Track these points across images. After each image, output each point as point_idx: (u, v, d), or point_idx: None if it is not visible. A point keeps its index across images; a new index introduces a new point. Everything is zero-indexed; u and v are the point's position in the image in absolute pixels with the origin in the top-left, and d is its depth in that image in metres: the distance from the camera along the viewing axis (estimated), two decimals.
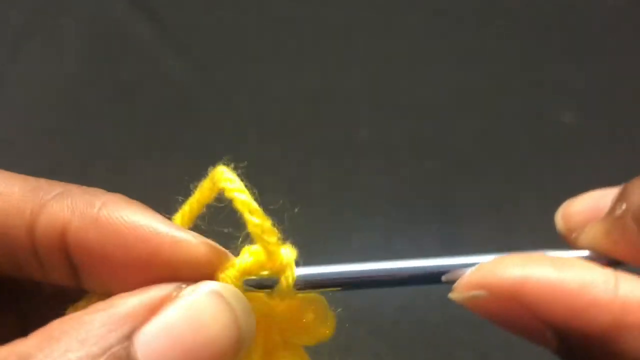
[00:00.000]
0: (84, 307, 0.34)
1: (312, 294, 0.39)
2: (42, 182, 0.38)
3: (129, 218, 0.36)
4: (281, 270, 0.38)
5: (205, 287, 0.34)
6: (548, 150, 1.00)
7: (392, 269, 0.40)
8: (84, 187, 0.38)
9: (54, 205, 0.36)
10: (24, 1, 1.14)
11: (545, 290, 0.33)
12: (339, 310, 0.40)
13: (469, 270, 0.37)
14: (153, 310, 0.32)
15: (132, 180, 0.97)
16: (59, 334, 0.30)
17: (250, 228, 0.38)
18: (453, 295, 0.37)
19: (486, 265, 0.37)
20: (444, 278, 0.38)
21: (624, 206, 0.36)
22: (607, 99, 1.04)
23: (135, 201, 0.38)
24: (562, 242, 0.41)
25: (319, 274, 0.39)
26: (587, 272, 0.33)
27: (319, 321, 0.40)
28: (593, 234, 0.37)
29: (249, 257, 0.38)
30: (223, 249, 0.38)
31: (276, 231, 0.39)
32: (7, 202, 0.36)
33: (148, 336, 0.31)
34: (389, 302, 0.84)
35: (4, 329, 0.39)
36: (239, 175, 0.40)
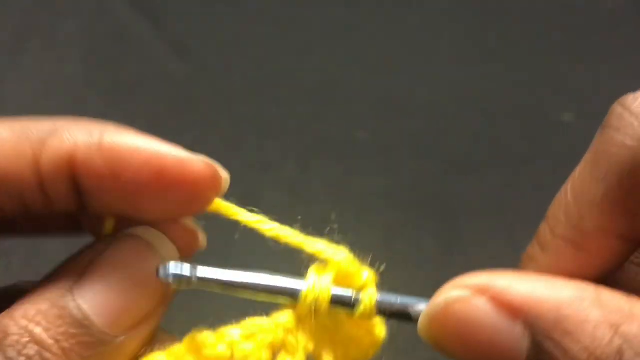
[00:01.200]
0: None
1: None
2: (28, 122, 0.40)
3: (131, 141, 0.38)
4: (363, 287, 0.40)
5: (125, 234, 0.38)
6: (548, 150, 1.00)
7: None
8: (74, 119, 0.40)
9: (54, 141, 0.38)
10: (24, 1, 1.14)
11: (521, 290, 0.35)
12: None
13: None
14: (87, 267, 0.36)
15: None
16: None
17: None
18: (424, 320, 0.38)
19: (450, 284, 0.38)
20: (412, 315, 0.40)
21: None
22: (607, 99, 1.04)
23: (128, 128, 0.39)
24: None
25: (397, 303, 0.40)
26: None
27: (370, 342, 0.41)
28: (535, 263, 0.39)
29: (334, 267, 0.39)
30: (220, 166, 0.42)
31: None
32: (2, 147, 0.38)
33: (85, 286, 0.36)
34: None
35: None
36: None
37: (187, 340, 0.37)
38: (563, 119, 1.03)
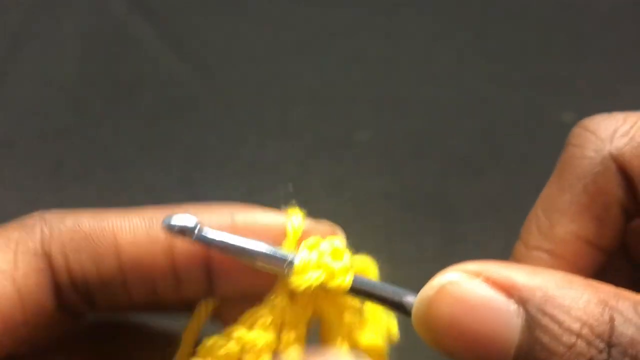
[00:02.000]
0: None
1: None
2: (155, 210, 0.40)
3: (262, 218, 0.39)
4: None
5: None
6: (548, 150, 1.00)
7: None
8: (204, 204, 0.40)
9: None
10: (24, 1, 1.14)
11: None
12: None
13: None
14: None
15: (132, 180, 0.97)
16: None
17: None
18: (419, 303, 0.39)
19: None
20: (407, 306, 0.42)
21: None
22: (607, 99, 1.04)
23: (254, 206, 0.40)
24: None
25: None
26: None
27: (378, 330, 0.43)
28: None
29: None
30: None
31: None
32: (136, 235, 0.38)
33: None
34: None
35: None
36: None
37: (200, 350, 0.38)
38: (563, 119, 1.03)
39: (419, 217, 0.94)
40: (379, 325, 0.43)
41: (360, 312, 0.42)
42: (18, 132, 1.03)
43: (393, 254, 0.90)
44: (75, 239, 0.37)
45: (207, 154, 0.99)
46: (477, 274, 0.35)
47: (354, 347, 0.42)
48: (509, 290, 0.34)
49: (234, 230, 0.38)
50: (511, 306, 0.33)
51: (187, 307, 0.41)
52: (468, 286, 0.35)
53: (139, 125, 1.03)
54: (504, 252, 0.40)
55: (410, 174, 0.98)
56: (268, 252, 0.39)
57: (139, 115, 1.04)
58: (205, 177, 0.97)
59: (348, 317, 0.42)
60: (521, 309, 0.33)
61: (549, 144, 1.04)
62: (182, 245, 0.37)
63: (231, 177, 0.96)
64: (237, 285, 0.38)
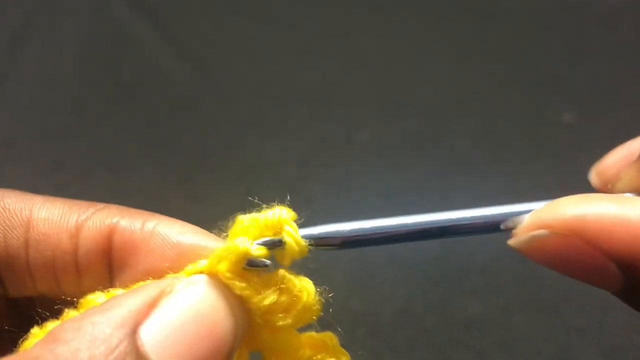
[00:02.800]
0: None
1: (303, 279, 0.39)
2: (79, 202, 0.41)
3: (172, 231, 0.39)
4: (281, 228, 0.39)
5: (199, 280, 0.35)
6: (548, 150, 1.00)
7: (450, 220, 0.39)
8: (122, 207, 0.40)
9: (99, 216, 0.39)
10: (23, 1, 1.14)
11: (608, 222, 0.33)
12: (322, 291, 0.40)
13: (527, 215, 0.36)
14: (151, 305, 0.33)
15: (132, 180, 0.97)
16: (66, 337, 0.31)
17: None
18: (513, 241, 0.36)
19: (544, 207, 0.37)
20: (502, 226, 0.38)
21: None
22: (607, 99, 1.04)
23: (168, 218, 0.40)
24: None
25: (358, 229, 0.39)
26: None
27: (307, 305, 0.40)
28: (629, 176, 0.37)
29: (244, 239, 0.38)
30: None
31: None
32: (50, 216, 0.39)
33: (151, 329, 0.32)
34: (388, 303, 0.84)
35: None
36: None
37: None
38: (563, 119, 1.03)
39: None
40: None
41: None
42: (18, 132, 1.03)
43: (393, 253, 0.90)
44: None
45: (207, 154, 0.99)
46: (578, 234, 0.34)
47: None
48: (610, 256, 0.33)
49: (141, 233, 0.38)
50: (611, 266, 0.33)
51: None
52: (567, 249, 0.34)
53: (139, 125, 1.03)
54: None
55: (410, 174, 0.98)
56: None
57: (139, 115, 1.04)
58: (205, 177, 0.97)
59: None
60: (621, 272, 0.34)
61: (549, 144, 1.05)
62: (87, 232, 0.38)
63: (231, 177, 0.97)
64: (136, 279, 0.38)
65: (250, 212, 0.40)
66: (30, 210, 0.39)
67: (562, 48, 1.10)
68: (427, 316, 0.84)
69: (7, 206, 0.39)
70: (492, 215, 0.38)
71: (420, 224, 0.39)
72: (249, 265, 0.36)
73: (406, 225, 0.39)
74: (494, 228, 0.38)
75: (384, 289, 0.85)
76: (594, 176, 0.40)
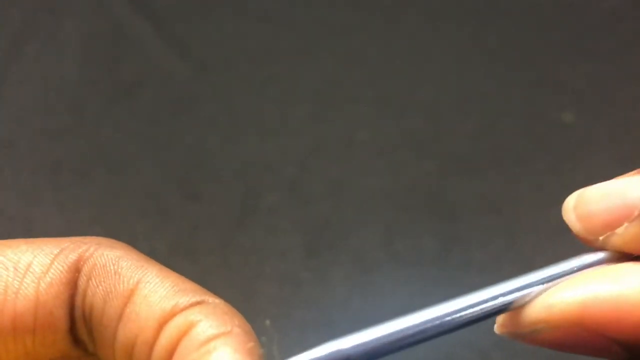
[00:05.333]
0: None
1: None
2: (186, 284, 0.38)
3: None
4: None
5: None
6: (548, 150, 1.00)
7: (442, 316, 0.37)
8: (220, 303, 0.38)
9: (185, 314, 0.36)
10: (24, 1, 1.14)
11: (609, 308, 0.32)
12: None
13: (524, 302, 0.35)
14: None
15: (132, 180, 0.97)
16: None
17: None
18: (508, 331, 0.36)
19: (540, 299, 0.35)
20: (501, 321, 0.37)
21: None
22: (607, 99, 1.04)
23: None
24: (565, 242, 0.40)
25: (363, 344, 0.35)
26: None
27: None
28: (629, 236, 0.34)
29: None
30: None
31: None
32: (154, 292, 0.36)
33: None
34: (389, 303, 0.83)
35: None
36: None
37: None
38: (563, 119, 1.03)
39: (419, 217, 0.94)
40: None
41: None
42: (18, 132, 1.03)
43: (393, 254, 0.90)
44: (106, 269, 0.37)
45: (207, 154, 0.99)
46: (578, 322, 0.33)
47: None
48: (613, 340, 0.32)
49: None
50: (614, 347, 0.33)
51: None
52: (567, 337, 0.33)
53: (139, 125, 1.03)
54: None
55: (410, 174, 0.98)
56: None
57: (139, 115, 1.04)
58: (205, 177, 0.97)
59: None
60: (625, 352, 0.33)
61: (549, 144, 1.05)
62: (170, 331, 0.35)
63: (231, 177, 0.96)
64: None
65: None
66: (138, 281, 0.37)
67: (562, 48, 1.10)
68: None
69: (119, 270, 0.37)
70: (492, 305, 0.36)
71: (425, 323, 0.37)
72: None
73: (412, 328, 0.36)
74: (503, 311, 0.36)
75: (384, 289, 0.84)
76: (575, 221, 0.37)
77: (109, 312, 0.36)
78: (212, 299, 0.37)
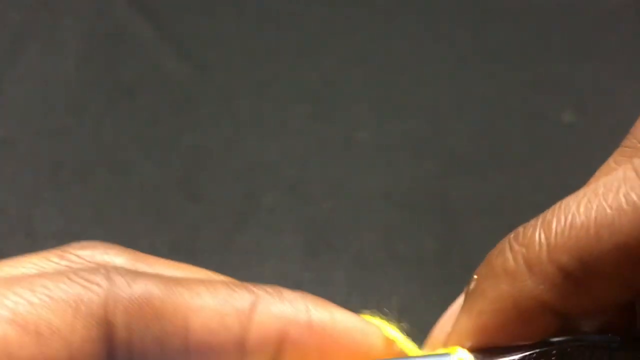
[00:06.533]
0: None
1: None
2: (227, 289, 0.35)
3: (342, 320, 0.35)
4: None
5: None
6: (548, 150, 1.00)
7: None
8: (272, 288, 0.35)
9: (263, 315, 0.34)
10: (24, 1, 1.14)
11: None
12: None
13: None
14: None
15: (132, 180, 0.97)
16: None
17: None
18: None
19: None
20: None
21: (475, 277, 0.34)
22: (607, 99, 1.04)
23: (325, 302, 0.36)
24: None
25: None
26: None
27: None
28: (459, 328, 0.36)
29: None
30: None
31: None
32: (210, 319, 0.34)
33: None
34: (389, 303, 0.84)
35: None
36: None
37: None
38: (563, 119, 1.03)
39: (419, 217, 0.94)
40: None
41: None
42: (18, 132, 1.03)
43: (393, 254, 0.90)
44: (143, 312, 0.33)
45: (207, 154, 0.99)
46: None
47: None
48: None
49: (312, 329, 0.34)
50: None
51: None
52: None
53: (139, 125, 1.03)
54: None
55: (410, 174, 0.98)
56: None
57: (139, 115, 1.04)
58: (205, 177, 0.97)
59: None
60: None
61: (549, 144, 1.05)
62: (255, 337, 0.33)
63: (231, 177, 0.96)
64: None
65: None
66: (185, 311, 0.33)
67: (562, 48, 1.10)
68: (428, 316, 0.84)
69: (158, 305, 0.33)
70: None
71: None
72: None
73: None
74: None
75: (384, 289, 0.84)
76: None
77: (170, 354, 0.32)
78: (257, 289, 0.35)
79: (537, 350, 0.32)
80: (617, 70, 1.06)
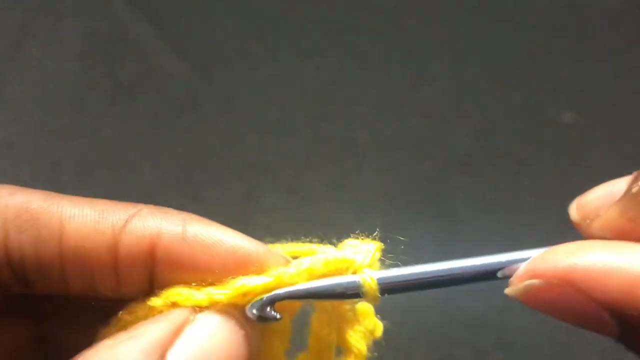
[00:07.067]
0: (113, 331, 0.36)
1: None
2: (110, 203, 0.39)
3: (215, 233, 0.38)
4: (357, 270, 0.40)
5: (215, 315, 0.36)
6: (548, 150, 1.00)
7: (452, 269, 0.42)
8: (155, 206, 0.38)
9: (136, 225, 0.37)
10: (24, 1, 1.14)
11: (598, 271, 0.33)
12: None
13: (523, 264, 0.37)
14: (176, 333, 0.34)
15: (132, 180, 0.97)
16: None
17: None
18: (509, 290, 0.37)
19: (538, 256, 0.37)
20: (499, 274, 0.39)
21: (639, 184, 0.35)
22: (607, 99, 1.04)
23: (206, 220, 0.38)
24: (564, 241, 0.41)
25: (393, 277, 0.41)
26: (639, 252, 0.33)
27: (370, 326, 0.41)
28: (608, 216, 0.37)
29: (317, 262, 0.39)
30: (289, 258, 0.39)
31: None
32: (83, 224, 0.37)
33: (177, 356, 0.33)
34: (389, 303, 0.84)
35: (18, 341, 0.40)
36: None
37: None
38: (563, 119, 1.03)
39: (419, 217, 0.94)
40: (366, 326, 0.42)
41: (354, 309, 0.42)
42: (18, 132, 1.03)
43: (393, 254, 0.90)
44: (20, 217, 0.37)
45: (207, 154, 0.99)
46: (569, 282, 0.34)
47: (340, 343, 0.41)
48: (603, 305, 0.33)
49: (185, 240, 0.37)
50: (605, 315, 0.33)
51: (124, 300, 0.40)
52: (559, 297, 0.35)
53: (139, 125, 1.03)
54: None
55: (410, 173, 0.98)
56: (344, 283, 0.39)
57: (139, 115, 1.04)
58: (205, 177, 0.97)
59: (344, 311, 0.41)
60: (615, 320, 0.34)
61: (549, 144, 1.05)
62: (127, 243, 0.36)
63: (231, 177, 0.97)
64: (179, 283, 0.37)
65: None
66: (60, 217, 0.37)
67: (562, 48, 1.10)
68: (428, 315, 0.84)
69: (37, 215, 0.37)
70: (490, 264, 0.40)
71: (423, 274, 0.42)
72: (260, 319, 0.36)
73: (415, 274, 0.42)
74: (491, 276, 0.39)
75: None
76: (574, 210, 0.40)
77: (45, 255, 0.36)
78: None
79: None
80: (617, 70, 1.06)
